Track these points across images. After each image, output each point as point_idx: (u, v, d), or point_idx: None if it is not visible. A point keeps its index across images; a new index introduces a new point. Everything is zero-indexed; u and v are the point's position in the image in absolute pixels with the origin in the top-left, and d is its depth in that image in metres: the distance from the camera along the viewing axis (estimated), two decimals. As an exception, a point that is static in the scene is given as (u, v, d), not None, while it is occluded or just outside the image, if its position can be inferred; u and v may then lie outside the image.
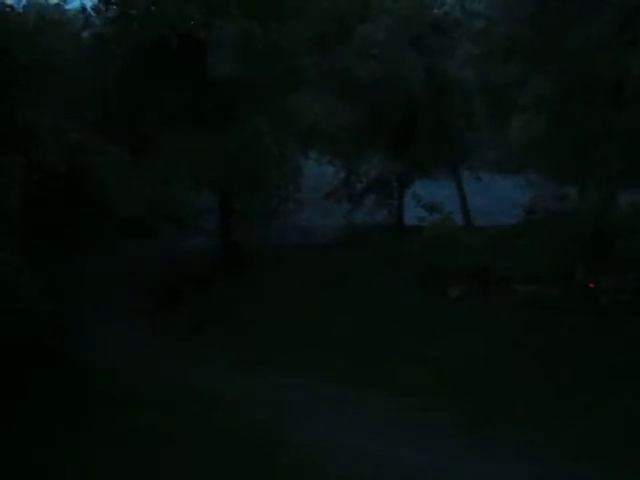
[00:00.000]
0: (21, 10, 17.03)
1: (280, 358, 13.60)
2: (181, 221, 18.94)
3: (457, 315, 14.80)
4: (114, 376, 13.33)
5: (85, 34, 18.97)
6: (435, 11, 22.36)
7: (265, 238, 20.99)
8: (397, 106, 20.62)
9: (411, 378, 12.25)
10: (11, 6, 16.00)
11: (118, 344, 14.89)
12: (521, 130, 17.42)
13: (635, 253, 13.96)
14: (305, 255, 20.15)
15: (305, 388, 12.24)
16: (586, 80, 14.89)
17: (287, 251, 20.62)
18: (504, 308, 14.82)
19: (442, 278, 16.18)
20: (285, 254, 20.29)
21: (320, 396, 11.92)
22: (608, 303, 14.02)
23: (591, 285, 14.53)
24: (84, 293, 16.86)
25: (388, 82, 19.92)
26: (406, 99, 20.44)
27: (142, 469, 9.81)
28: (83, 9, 18.67)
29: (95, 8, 18.20)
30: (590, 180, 15.19)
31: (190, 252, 20.60)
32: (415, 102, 20.71)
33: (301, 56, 18.08)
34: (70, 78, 16.46)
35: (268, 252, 20.30)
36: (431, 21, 21.82)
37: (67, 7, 19.02)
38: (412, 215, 21.32)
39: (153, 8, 17.20)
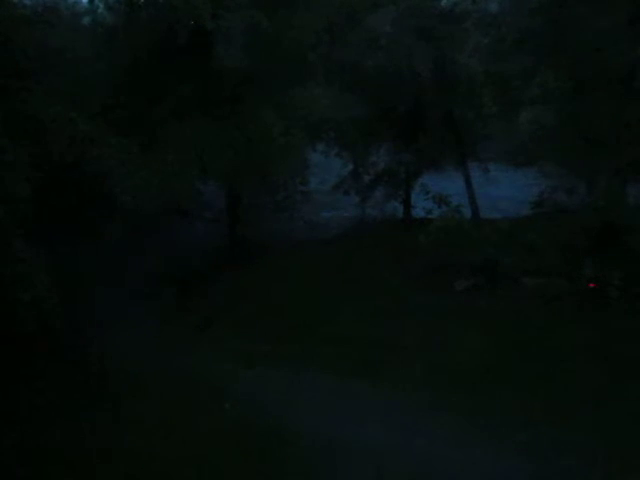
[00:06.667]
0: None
1: (288, 350, 13.68)
2: (190, 212, 18.97)
3: (463, 308, 14.79)
4: (122, 370, 13.44)
5: (93, 25, 18.95)
6: (443, 1, 22.17)
7: (273, 230, 20.99)
8: (405, 97, 20.49)
9: (414, 371, 12.32)
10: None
11: (127, 338, 14.93)
12: (530, 122, 17.28)
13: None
14: (313, 248, 20.15)
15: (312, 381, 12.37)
16: (597, 71, 14.77)
17: (295, 244, 20.61)
18: (511, 301, 14.80)
19: (449, 271, 16.16)
20: (293, 247, 20.29)
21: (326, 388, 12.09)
22: (617, 297, 13.95)
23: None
24: (93, 284, 16.95)
25: (396, 73, 19.79)
26: (414, 90, 20.31)
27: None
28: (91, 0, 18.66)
29: (103, -1, 18.17)
30: (599, 173, 15.07)
31: (198, 243, 20.63)
32: (423, 93, 20.57)
33: (309, 47, 18.00)
34: (79, 69, 16.44)
35: (276, 244, 20.31)
36: (439, 11, 21.64)
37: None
38: (420, 207, 21.22)
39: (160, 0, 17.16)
